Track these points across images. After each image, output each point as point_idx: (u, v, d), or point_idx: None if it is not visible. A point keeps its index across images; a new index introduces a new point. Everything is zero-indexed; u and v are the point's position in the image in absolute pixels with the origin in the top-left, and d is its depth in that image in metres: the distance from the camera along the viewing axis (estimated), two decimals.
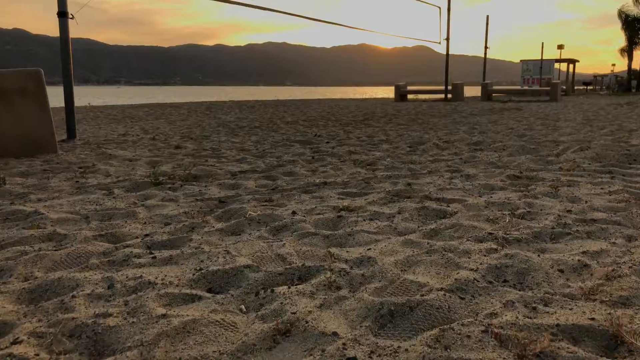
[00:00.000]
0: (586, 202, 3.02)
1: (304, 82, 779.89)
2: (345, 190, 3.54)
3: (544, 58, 30.64)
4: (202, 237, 2.46)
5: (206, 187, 3.71)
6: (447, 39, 16.03)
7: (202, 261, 2.12)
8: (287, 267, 2.02)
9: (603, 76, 75.23)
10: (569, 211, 2.80)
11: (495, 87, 16.85)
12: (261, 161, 4.92)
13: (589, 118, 9.27)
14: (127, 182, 3.92)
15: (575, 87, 45.19)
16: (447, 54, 15.95)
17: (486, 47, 18.82)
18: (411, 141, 6.20)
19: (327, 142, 6.04)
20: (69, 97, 6.10)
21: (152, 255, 2.22)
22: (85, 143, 6.53)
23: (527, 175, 3.96)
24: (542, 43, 30.17)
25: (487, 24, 18.79)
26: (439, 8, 16.62)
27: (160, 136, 7.41)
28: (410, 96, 21.35)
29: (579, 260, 2.01)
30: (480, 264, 1.99)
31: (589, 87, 49.47)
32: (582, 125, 7.89)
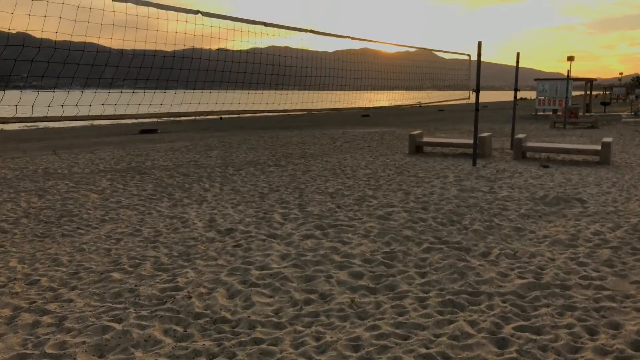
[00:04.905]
0: None
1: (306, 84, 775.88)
2: None
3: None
4: None
5: None
6: (477, 91, 13.21)
7: None
8: None
9: (612, 86, 72.91)
10: None
11: (529, 145, 13.96)
12: None
13: None
14: None
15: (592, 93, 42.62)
16: (477, 108, 13.11)
17: (516, 90, 16.02)
18: None
19: None
20: None
21: None
22: None
23: None
24: (568, 70, 27.34)
25: (517, 61, 15.95)
26: (469, 56, 13.83)
27: None
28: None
29: None
30: None
31: (607, 106, 46.60)
32: None
